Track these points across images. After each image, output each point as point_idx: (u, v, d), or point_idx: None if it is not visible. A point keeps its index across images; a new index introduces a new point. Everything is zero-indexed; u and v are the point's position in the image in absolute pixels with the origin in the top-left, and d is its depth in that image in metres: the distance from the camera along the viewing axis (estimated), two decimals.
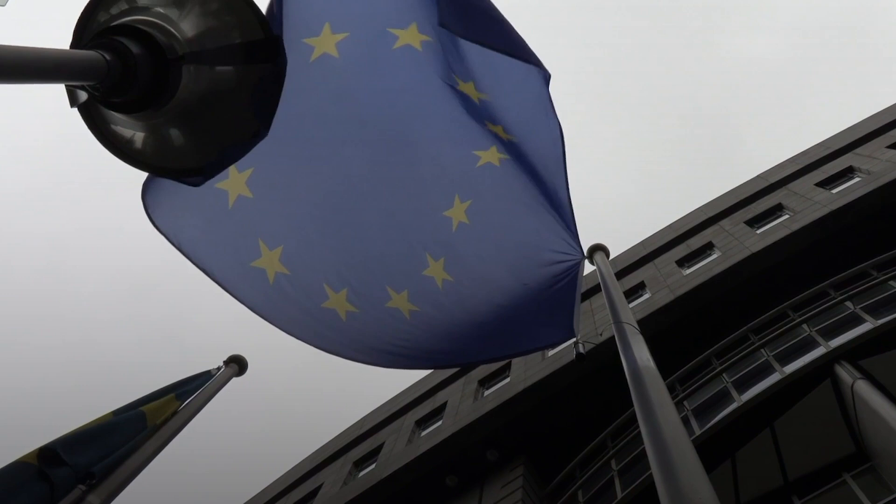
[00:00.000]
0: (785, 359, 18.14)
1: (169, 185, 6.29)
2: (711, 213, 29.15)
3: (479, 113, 6.64)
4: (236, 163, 6.33)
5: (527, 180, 6.91)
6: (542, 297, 7.01)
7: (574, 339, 6.75)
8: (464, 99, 6.60)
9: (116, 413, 7.26)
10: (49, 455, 6.28)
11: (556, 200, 6.98)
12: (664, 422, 3.48)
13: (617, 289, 6.18)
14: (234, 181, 6.45)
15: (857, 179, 24.91)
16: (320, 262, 6.87)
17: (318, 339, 7.09)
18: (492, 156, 6.77)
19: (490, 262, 7.09)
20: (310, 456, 31.69)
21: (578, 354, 6.45)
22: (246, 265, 6.72)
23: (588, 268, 7.44)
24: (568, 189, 6.91)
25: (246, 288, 6.80)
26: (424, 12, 6.37)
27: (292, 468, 31.70)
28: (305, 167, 6.61)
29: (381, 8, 6.40)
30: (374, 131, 6.60)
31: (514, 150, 6.80)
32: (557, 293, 6.99)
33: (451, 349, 7.18)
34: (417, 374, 30.37)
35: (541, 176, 6.91)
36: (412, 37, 6.35)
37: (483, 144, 6.76)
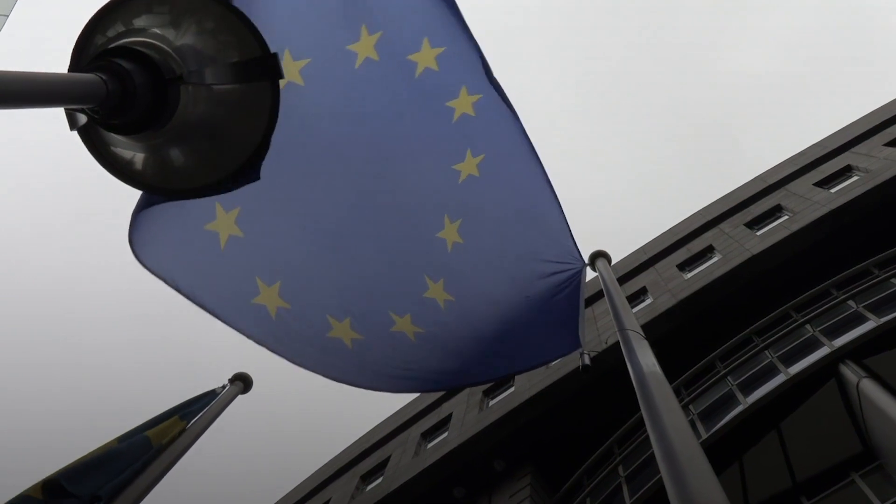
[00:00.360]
0: (789, 360, 18.13)
1: (157, 227, 6.25)
2: (711, 217, 29.17)
3: (452, 125, 6.60)
4: (223, 203, 6.37)
5: (511, 191, 6.91)
6: (546, 309, 6.99)
7: (580, 350, 6.73)
8: (434, 111, 6.58)
9: (121, 439, 7.25)
10: (53, 487, 6.26)
11: (546, 209, 6.98)
12: (672, 427, 3.47)
13: (620, 295, 6.17)
14: (222, 222, 6.40)
15: (855, 178, 24.94)
16: (321, 294, 6.84)
17: (327, 368, 7.08)
18: (470, 166, 6.73)
19: (490, 279, 7.07)
20: (317, 471, 31.65)
21: (584, 366, 6.41)
22: (246, 303, 6.69)
23: (589, 274, 7.43)
24: (557, 198, 6.92)
25: (249, 324, 6.78)
26: (379, 17, 6.32)
27: (299, 484, 31.64)
28: (293, 201, 6.55)
29: (335, 24, 6.31)
30: (353, 158, 6.53)
31: (490, 157, 6.78)
32: (561, 303, 6.97)
33: (458, 369, 7.15)
34: None
35: (524, 185, 6.91)
36: (368, 49, 6.27)
37: (459, 155, 6.73)
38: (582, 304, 6.96)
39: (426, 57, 6.33)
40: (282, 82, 6.11)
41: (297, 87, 6.14)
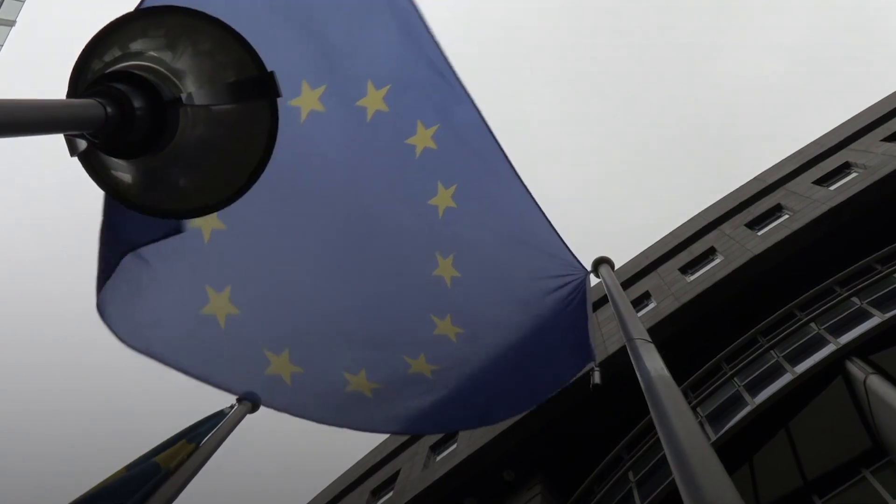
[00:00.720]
0: (795, 359, 18.11)
1: (145, 313, 6.22)
2: (711, 219, 29.17)
3: (416, 161, 6.53)
4: (213, 284, 6.34)
5: (496, 214, 6.85)
6: (557, 325, 6.92)
7: (591, 364, 6.64)
8: (395, 151, 6.47)
9: (129, 468, 7.21)
10: None
11: (536, 225, 6.93)
12: (683, 429, 3.46)
13: (625, 301, 6.13)
14: (216, 303, 6.37)
15: (854, 175, 24.93)
16: (332, 351, 6.80)
17: (350, 420, 7.05)
18: (444, 199, 6.67)
19: (497, 305, 7.00)
20: (327, 488, 31.56)
21: (594, 385, 6.31)
22: (260, 375, 6.66)
23: (592, 280, 7.39)
24: (542, 211, 6.87)
25: (267, 395, 6.76)
26: (321, 69, 6.19)
27: (310, 501, 31.57)
28: (283, 266, 6.52)
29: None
30: (331, 213, 6.48)
31: (463, 185, 6.72)
32: (570, 316, 6.91)
33: (483, 403, 7.08)
34: None
35: (507, 206, 6.85)
36: (313, 102, 6.14)
37: (430, 190, 6.63)
38: (590, 313, 6.91)
39: (374, 100, 6.26)
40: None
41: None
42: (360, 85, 6.21)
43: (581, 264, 7.23)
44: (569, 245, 7.10)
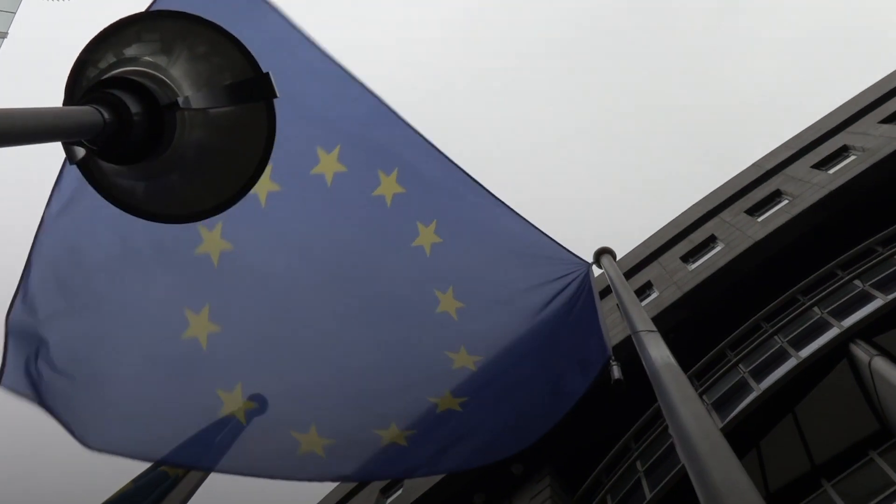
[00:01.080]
0: (799, 343, 18.12)
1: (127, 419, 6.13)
2: (711, 206, 29.13)
3: (388, 210, 6.49)
4: (224, 387, 6.26)
5: (485, 235, 6.80)
6: (570, 325, 6.85)
7: (608, 356, 6.52)
8: (362, 204, 6.43)
9: (136, 480, 7.21)
10: None
11: (528, 235, 6.89)
12: (691, 417, 3.46)
13: (629, 290, 6.12)
14: (231, 401, 6.31)
15: (852, 157, 24.90)
16: (357, 416, 6.73)
17: (392, 471, 7.05)
18: (428, 236, 6.61)
19: (506, 324, 6.89)
20: (337, 487, 31.54)
21: (616, 380, 6.21)
22: (294, 456, 6.56)
23: (595, 273, 7.34)
24: (527, 220, 6.84)
25: (302, 471, 6.68)
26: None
27: (320, 501, 31.57)
28: (292, 354, 6.48)
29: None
30: (324, 278, 6.48)
31: (444, 218, 6.71)
32: (581, 313, 6.86)
33: (516, 422, 7.00)
34: None
35: (494, 225, 6.81)
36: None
37: (411, 232, 6.58)
38: (599, 306, 6.84)
39: (329, 164, 6.22)
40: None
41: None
42: (311, 153, 6.23)
43: (581, 259, 7.18)
44: (567, 243, 7.04)
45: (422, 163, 6.53)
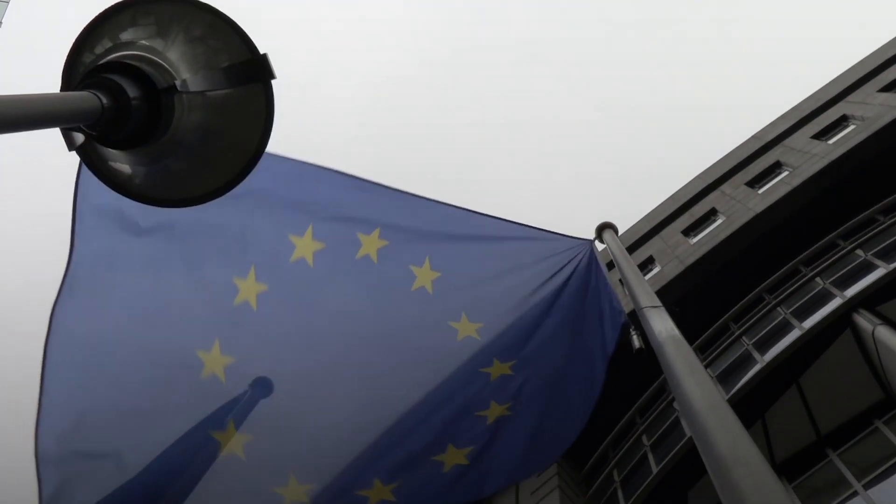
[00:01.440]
0: (802, 314, 18.14)
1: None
2: (711, 180, 29.09)
3: (375, 266, 6.49)
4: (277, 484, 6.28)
5: (485, 254, 6.76)
6: (587, 305, 6.83)
7: (623, 323, 6.43)
8: (345, 270, 6.46)
9: None
10: None
11: (525, 239, 6.87)
12: (698, 388, 3.45)
13: (632, 265, 6.09)
14: (291, 492, 6.39)
15: (852, 127, 24.81)
16: (415, 452, 6.73)
17: (455, 494, 6.98)
18: (426, 276, 6.55)
19: (530, 326, 6.78)
20: None
21: (638, 350, 6.14)
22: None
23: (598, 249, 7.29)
24: (520, 223, 6.83)
25: None
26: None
27: None
28: (343, 436, 6.51)
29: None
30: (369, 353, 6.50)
31: (436, 255, 6.69)
32: (593, 291, 6.82)
33: (566, 411, 6.96)
34: None
35: (489, 246, 6.79)
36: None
37: (407, 279, 6.58)
38: (608, 277, 6.78)
39: (305, 247, 6.31)
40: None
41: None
42: (285, 242, 6.33)
43: (581, 239, 7.13)
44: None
45: (400, 214, 6.55)
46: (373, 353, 6.53)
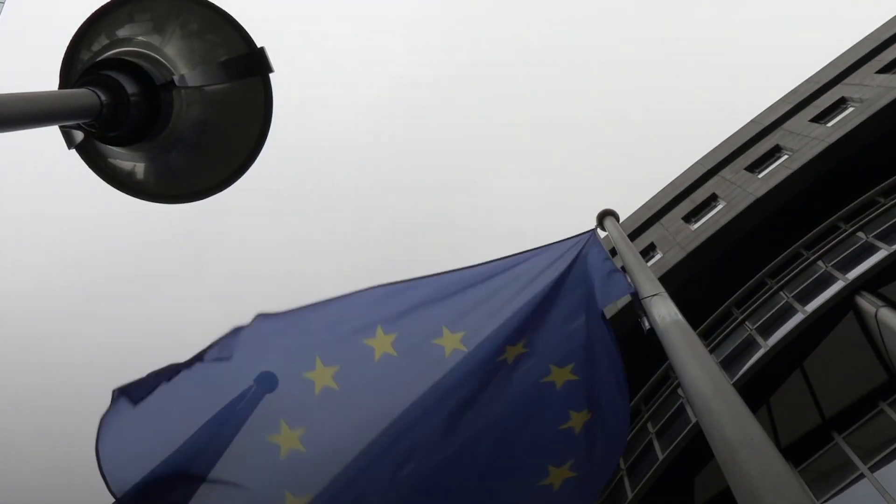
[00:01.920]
0: (805, 298, 18.13)
1: None
2: (711, 165, 29.07)
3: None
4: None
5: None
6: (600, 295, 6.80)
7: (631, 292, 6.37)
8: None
9: None
10: None
11: (527, 262, 6.85)
12: (703, 372, 3.45)
13: (634, 251, 6.08)
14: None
15: (851, 109, 24.77)
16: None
17: None
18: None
19: (573, 333, 6.88)
20: None
21: (650, 330, 6.11)
22: None
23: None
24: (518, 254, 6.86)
25: None
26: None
27: None
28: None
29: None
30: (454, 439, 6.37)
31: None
32: (606, 275, 6.79)
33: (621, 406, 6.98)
34: None
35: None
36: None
37: (502, 347, 6.58)
38: (610, 261, 6.73)
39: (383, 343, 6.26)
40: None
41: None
42: (371, 327, 6.28)
43: (582, 233, 7.09)
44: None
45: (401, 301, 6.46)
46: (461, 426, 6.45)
